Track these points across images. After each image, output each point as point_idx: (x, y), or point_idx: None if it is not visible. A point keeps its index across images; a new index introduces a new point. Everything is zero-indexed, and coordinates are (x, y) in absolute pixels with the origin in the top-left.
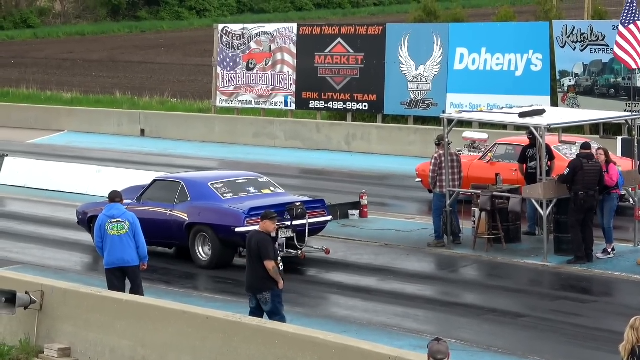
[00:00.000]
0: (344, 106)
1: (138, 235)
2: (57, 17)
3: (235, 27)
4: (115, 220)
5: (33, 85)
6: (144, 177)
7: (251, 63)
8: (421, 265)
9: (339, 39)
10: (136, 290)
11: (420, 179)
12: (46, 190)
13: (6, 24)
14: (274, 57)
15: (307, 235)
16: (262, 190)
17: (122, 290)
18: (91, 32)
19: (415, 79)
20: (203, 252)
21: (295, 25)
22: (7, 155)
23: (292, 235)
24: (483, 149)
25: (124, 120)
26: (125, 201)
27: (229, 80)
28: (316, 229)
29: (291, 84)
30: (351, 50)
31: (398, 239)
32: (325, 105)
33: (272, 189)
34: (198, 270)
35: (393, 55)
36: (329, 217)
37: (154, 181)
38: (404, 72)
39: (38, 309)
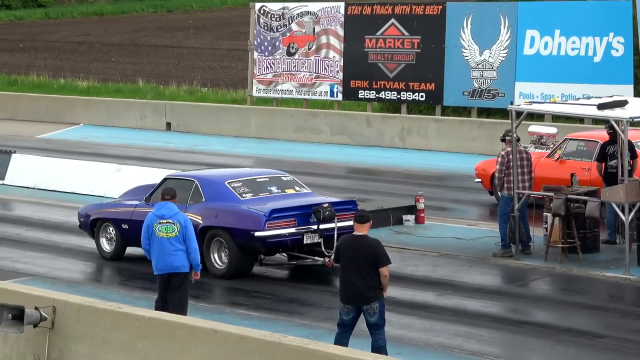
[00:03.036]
0: (398, 96)
1: (190, 239)
2: None
3: (274, 7)
4: (165, 221)
5: (44, 72)
6: None
7: (292, 47)
8: (485, 278)
9: (393, 20)
10: (177, 302)
11: (480, 179)
12: (59, 191)
13: (14, 3)
14: (318, 40)
15: (335, 240)
16: (285, 190)
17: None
18: (110, 11)
19: (479, 66)
20: (219, 259)
21: (342, 5)
22: (14, 152)
23: (320, 240)
24: (551, 145)
25: (147, 112)
26: (132, 202)
27: (267, 66)
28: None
29: (338, 71)
30: (406, 33)
31: (459, 248)
32: (377, 95)
33: (297, 188)
34: (230, 283)
35: (454, 39)
36: None
37: (165, 179)
38: (466, 58)
39: (49, 327)
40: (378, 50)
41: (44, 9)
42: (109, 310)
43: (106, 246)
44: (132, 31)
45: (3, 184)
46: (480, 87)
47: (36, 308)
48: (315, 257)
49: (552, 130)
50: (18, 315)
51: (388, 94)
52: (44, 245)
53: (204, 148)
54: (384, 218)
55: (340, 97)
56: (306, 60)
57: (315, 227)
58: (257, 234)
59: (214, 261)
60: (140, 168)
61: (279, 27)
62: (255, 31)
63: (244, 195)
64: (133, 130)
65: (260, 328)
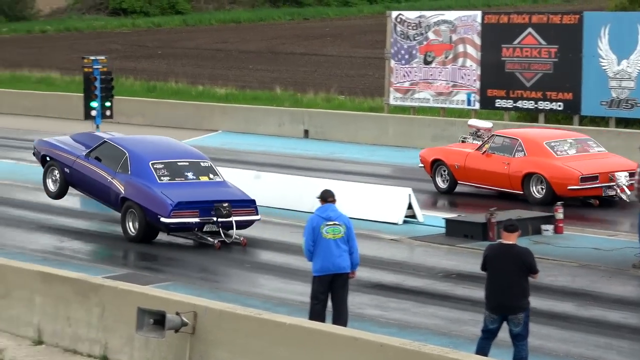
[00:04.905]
0: (535, 106)
1: (353, 240)
2: (209, 2)
3: (411, 15)
4: (331, 223)
5: (183, 79)
6: (309, 184)
7: (429, 56)
8: (626, 289)
9: (530, 29)
10: (342, 301)
11: (422, 165)
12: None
13: (152, 10)
14: (455, 49)
15: (234, 229)
16: (200, 177)
17: (326, 301)
18: (248, 19)
19: (617, 76)
20: (133, 227)
21: (479, 13)
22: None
23: (218, 229)
24: (485, 139)
25: (285, 120)
26: (70, 147)
27: (404, 75)
28: (243, 226)
29: (475, 80)
30: (543, 42)
31: (598, 259)
32: (514, 104)
33: (211, 176)
34: (369, 290)
35: (591, 48)
36: (258, 217)
37: (104, 142)
38: (604, 68)
39: (190, 333)
40: (515, 59)
41: (182, 16)
42: (249, 316)
43: (51, 183)
44: (269, 39)
45: None
46: (618, 97)
47: (177, 313)
48: (209, 239)
49: (488, 124)
50: (159, 320)
51: (525, 103)
52: (182, 250)
53: (341, 156)
54: (522, 227)
55: (477, 106)
56: (443, 69)
57: (214, 219)
58: (162, 219)
59: (128, 228)
60: (279, 175)
61: (415, 35)
62: (392, 40)
63: (162, 178)
64: (271, 137)
65: (400, 336)
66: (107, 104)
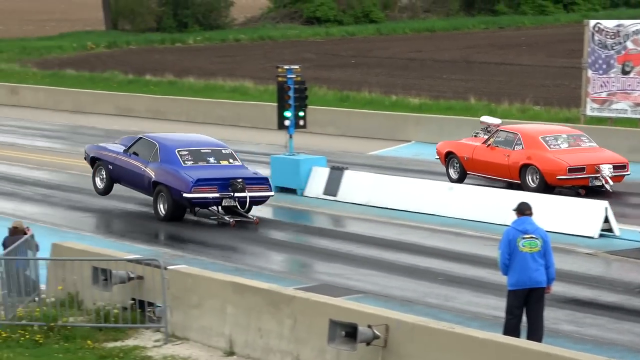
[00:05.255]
0: None
1: (549, 254)
2: (403, 10)
3: (609, 24)
4: (528, 236)
5: (376, 89)
6: (504, 196)
7: (627, 66)
8: None
9: None
10: (537, 316)
11: (438, 157)
12: (390, 209)
13: (346, 18)
14: None
15: (247, 205)
16: (221, 162)
17: (521, 315)
18: (442, 28)
19: None
20: (163, 208)
21: None
22: (346, 168)
23: (235, 204)
24: None
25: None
26: (114, 147)
27: (601, 85)
28: (257, 202)
29: None
30: None
31: None
32: None
33: (231, 160)
34: (564, 305)
35: None
36: (271, 193)
37: (140, 138)
38: None
39: (382, 346)
40: None
41: (375, 25)
42: (442, 330)
43: (99, 181)
44: (463, 48)
45: (336, 200)
46: None
47: (369, 326)
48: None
49: (497, 121)
50: (351, 332)
51: None
52: (376, 263)
53: None
54: None
55: None
56: None
57: (231, 194)
58: (184, 194)
59: (159, 209)
60: (472, 187)
61: (613, 44)
62: (589, 49)
63: (186, 162)
64: None
65: (594, 353)
66: (301, 113)
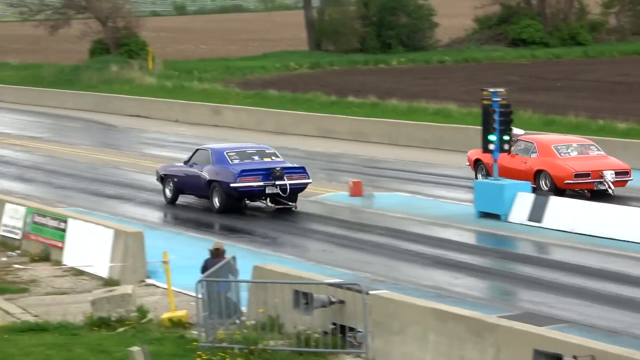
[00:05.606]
0: None
1: None
2: (611, 33)
3: None
4: None
5: (582, 113)
6: None
7: None
8: None
9: None
10: None
11: (468, 163)
12: (596, 236)
13: (552, 40)
14: None
15: (288, 191)
16: (264, 159)
17: None
18: None
19: None
20: (217, 201)
21: None
22: (551, 194)
23: (278, 192)
24: None
25: None
26: (177, 163)
27: None
28: (297, 189)
29: None
30: None
31: None
32: None
33: (273, 158)
34: None
35: None
36: (309, 180)
37: (197, 150)
38: None
39: None
40: None
41: (582, 48)
42: None
43: (168, 192)
44: None
45: (540, 227)
46: None
47: (575, 357)
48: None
49: (521, 131)
50: None
51: None
52: (579, 292)
53: None
54: None
55: None
56: None
57: (273, 182)
58: (231, 184)
59: (214, 203)
60: None
61: None
62: None
63: (234, 160)
64: None
65: None
66: (505, 137)
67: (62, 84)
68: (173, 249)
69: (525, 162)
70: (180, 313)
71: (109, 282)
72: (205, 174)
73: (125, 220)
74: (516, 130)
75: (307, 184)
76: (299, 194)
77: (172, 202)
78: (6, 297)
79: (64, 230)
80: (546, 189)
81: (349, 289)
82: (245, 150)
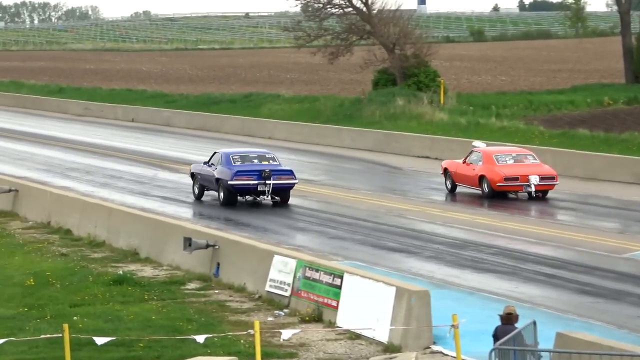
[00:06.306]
0: None
1: None
2: None
3: None
4: None
5: None
6: None
7: None
8: None
9: None
10: None
11: (442, 172)
12: None
13: None
14: None
15: (271, 188)
16: (262, 162)
17: None
18: None
19: None
20: (221, 196)
21: None
22: None
23: (269, 189)
24: None
25: None
26: (198, 164)
27: None
28: (285, 187)
29: None
30: None
31: None
32: None
33: (271, 161)
34: None
35: None
36: (295, 181)
37: (214, 153)
38: None
39: None
40: None
41: None
42: None
43: (195, 189)
44: None
45: None
46: None
47: None
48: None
49: (482, 144)
50: None
51: None
52: None
53: None
54: None
55: None
56: None
57: (263, 181)
58: (229, 182)
59: (219, 197)
60: None
61: None
62: None
63: (236, 162)
64: None
65: None
66: None
67: (340, 119)
68: (464, 311)
69: (473, 169)
70: None
71: (389, 348)
72: (215, 173)
73: (410, 277)
74: (476, 143)
75: (294, 183)
76: None
77: (198, 198)
78: None
79: (339, 287)
80: (486, 191)
81: None
82: (248, 154)
